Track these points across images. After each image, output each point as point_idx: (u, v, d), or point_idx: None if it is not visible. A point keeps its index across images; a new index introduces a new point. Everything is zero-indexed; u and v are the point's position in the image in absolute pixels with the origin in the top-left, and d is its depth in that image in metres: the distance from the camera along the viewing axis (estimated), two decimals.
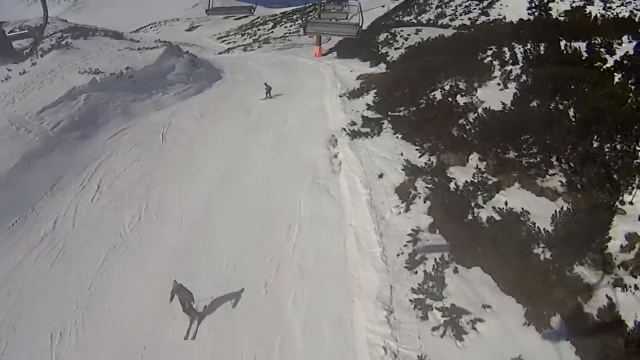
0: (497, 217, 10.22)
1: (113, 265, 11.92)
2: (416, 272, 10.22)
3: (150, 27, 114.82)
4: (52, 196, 15.09)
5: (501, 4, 47.20)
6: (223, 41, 73.99)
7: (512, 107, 13.04)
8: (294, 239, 12.58)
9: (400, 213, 12.40)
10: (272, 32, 70.42)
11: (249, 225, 13.25)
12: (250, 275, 11.30)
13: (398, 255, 10.95)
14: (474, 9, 48.32)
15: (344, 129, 18.25)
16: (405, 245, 11.13)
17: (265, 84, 25.42)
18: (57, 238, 13.04)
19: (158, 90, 25.58)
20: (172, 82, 27.21)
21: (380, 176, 14.37)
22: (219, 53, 53.71)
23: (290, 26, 71.27)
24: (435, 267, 9.94)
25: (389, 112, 18.21)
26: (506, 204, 10.42)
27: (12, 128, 17.67)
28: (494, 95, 14.47)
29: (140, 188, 15.75)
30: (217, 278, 11.24)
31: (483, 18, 45.18)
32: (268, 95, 25.13)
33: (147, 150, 18.67)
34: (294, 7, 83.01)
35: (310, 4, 44.33)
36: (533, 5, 44.10)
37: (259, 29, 76.79)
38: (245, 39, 69.99)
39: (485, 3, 48.55)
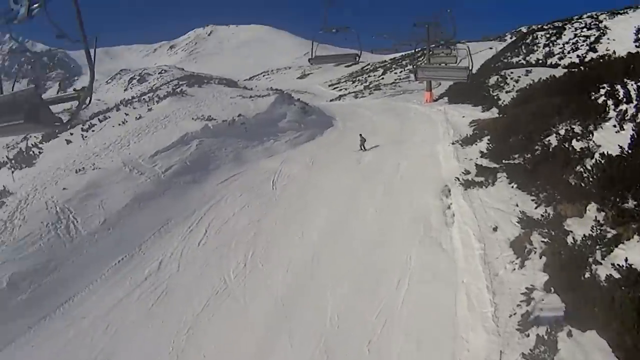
0: (616, 275, 9.25)
1: (214, 311, 12.13)
2: (528, 335, 9.40)
3: (263, 75, 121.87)
4: (159, 238, 16.04)
5: (608, 38, 45.52)
6: (334, 88, 75.93)
7: (629, 151, 12.05)
8: (402, 294, 12.08)
9: (514, 270, 11.60)
10: (383, 78, 71.44)
11: (357, 278, 12.97)
12: (355, 331, 10.94)
13: (510, 316, 10.15)
14: (582, 45, 46.76)
15: (458, 178, 17.72)
16: (518, 305, 10.30)
17: (360, 135, 25.31)
18: (160, 279, 13.69)
19: (269, 137, 26.77)
20: (284, 129, 28.40)
21: (495, 229, 13.65)
22: (331, 100, 55.29)
23: (400, 72, 71.95)
24: (549, 329, 9.10)
25: (503, 160, 17.52)
26: (626, 260, 9.42)
27: (125, 170, 19.27)
28: (611, 139, 13.42)
29: (248, 235, 16.16)
30: (319, 334, 11.00)
31: (591, 54, 43.51)
32: (362, 147, 24.95)
33: (256, 197, 19.29)
34: (402, 53, 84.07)
35: (419, 49, 44.94)
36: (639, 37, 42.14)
37: (369, 76, 78.21)
38: (356, 86, 71.39)
39: (592, 38, 46.91)
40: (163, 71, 72.48)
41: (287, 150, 25.90)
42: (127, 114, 28.67)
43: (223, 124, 26.05)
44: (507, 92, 31.74)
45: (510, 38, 74.04)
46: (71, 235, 15.15)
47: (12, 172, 21.10)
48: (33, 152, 23.79)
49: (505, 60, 52.91)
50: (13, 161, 23.08)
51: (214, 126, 25.39)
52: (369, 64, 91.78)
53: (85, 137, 25.34)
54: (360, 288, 12.47)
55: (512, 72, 35.77)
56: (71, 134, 26.15)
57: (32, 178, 18.69)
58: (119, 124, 26.49)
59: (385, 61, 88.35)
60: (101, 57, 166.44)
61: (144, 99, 34.67)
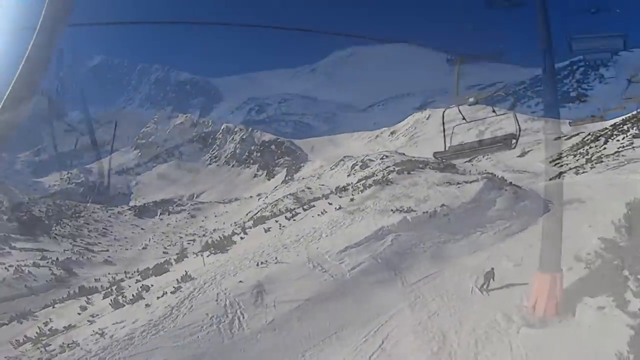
0: None
1: None
2: None
3: (483, 156, 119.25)
4: (328, 345, 15.14)
5: None
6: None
7: None
8: None
9: None
10: (605, 148, 64.95)
11: None
12: None
13: None
14: None
15: None
16: None
17: (492, 269, 18.53)
18: None
19: (475, 229, 24.84)
20: (492, 219, 26.19)
21: None
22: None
23: (623, 139, 64.64)
24: None
25: None
26: None
27: (308, 266, 19.16)
28: None
29: (429, 349, 14.41)
30: None
31: None
32: (485, 286, 18.34)
33: (449, 304, 17.43)
34: (622, 117, 75.53)
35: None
36: None
37: (590, 147, 72.08)
38: (577, 160, 65.95)
39: None
40: (385, 157, 75.37)
41: (494, 243, 23.59)
42: (330, 203, 29.16)
43: (424, 216, 25.03)
44: None
45: None
46: (232, 332, 15.25)
47: (205, 257, 22.43)
48: (232, 238, 25.22)
49: None
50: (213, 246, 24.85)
51: (413, 219, 24.45)
52: (589, 134, 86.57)
53: (283, 226, 26.14)
54: None
55: None
56: (276, 221, 27.40)
57: (218, 265, 19.82)
58: (319, 214, 26.93)
59: (606, 129, 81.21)
60: (326, 144, 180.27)
61: (361, 186, 35.24)
